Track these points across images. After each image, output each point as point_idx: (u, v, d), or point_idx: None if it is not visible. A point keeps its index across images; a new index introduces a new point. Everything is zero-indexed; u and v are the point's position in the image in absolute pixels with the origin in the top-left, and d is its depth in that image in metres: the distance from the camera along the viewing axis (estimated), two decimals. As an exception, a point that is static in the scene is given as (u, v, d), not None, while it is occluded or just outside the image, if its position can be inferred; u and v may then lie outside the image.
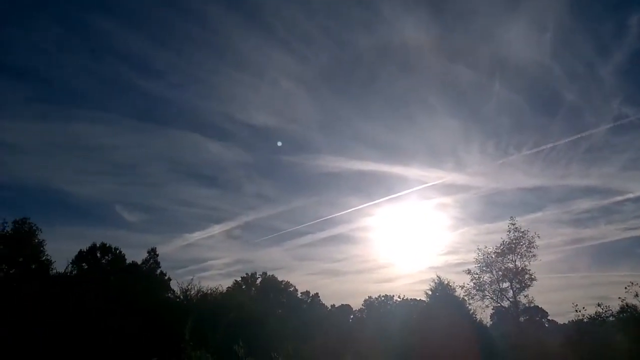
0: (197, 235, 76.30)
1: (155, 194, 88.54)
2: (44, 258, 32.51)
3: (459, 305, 38.80)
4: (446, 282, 42.81)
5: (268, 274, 64.98)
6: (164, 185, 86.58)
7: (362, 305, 79.00)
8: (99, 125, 77.39)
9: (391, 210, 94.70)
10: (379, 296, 78.61)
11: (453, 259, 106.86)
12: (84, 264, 38.81)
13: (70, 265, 37.00)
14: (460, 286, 41.04)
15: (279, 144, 77.36)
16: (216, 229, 79.50)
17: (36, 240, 33.71)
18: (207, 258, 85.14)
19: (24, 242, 32.53)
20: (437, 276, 43.71)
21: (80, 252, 39.15)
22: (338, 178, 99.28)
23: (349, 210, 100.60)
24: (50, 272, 32.71)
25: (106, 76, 79.85)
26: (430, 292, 42.86)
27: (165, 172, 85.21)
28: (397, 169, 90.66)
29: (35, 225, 34.63)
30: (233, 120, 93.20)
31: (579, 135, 77.93)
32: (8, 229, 33.11)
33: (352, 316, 76.78)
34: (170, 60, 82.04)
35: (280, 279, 65.84)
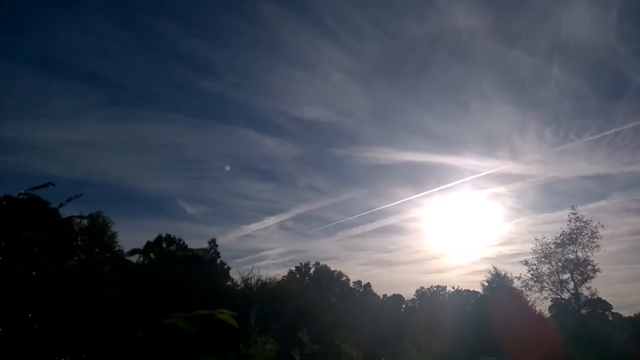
0: (252, 227, 78.86)
1: (215, 188, 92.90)
2: (116, 248, 35.04)
3: (517, 297, 37.53)
4: (503, 273, 41.53)
5: (321, 263, 66.02)
6: (222, 180, 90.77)
7: (414, 295, 78.68)
8: (164, 125, 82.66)
9: (443, 201, 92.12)
10: (431, 286, 78.01)
11: (508, 250, 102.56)
12: (151, 254, 41.47)
13: (140, 256, 39.69)
14: (517, 277, 39.62)
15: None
16: (270, 221, 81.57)
17: (109, 232, 36.46)
18: (262, 248, 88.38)
19: (98, 234, 35.23)
20: (494, 267, 42.60)
21: (148, 242, 41.86)
22: (389, 169, 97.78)
23: (400, 201, 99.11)
24: (127, 264, 35.30)
25: (170, 78, 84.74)
26: (486, 283, 41.95)
27: (224, 168, 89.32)
28: (449, 159, 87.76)
29: (108, 218, 37.49)
30: (286, 116, 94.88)
31: (647, 119, 71.24)
32: (85, 222, 36.12)
33: (404, 306, 76.44)
34: (228, 60, 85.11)
35: (332, 269, 66.72)
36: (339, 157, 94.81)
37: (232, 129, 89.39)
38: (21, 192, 2.32)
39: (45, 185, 2.37)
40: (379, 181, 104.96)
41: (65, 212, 2.60)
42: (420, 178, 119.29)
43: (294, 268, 64.78)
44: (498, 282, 40.91)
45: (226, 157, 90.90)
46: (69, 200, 2.58)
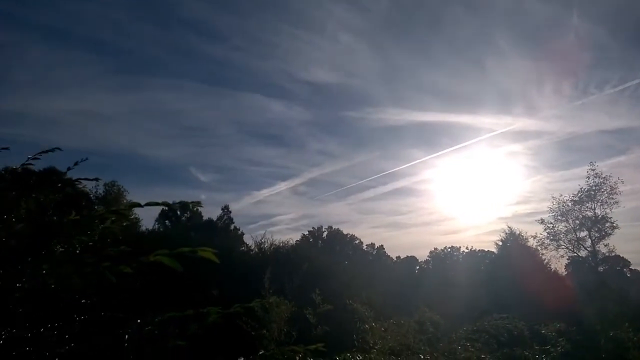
0: (265, 193, 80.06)
1: (225, 154, 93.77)
2: (132, 217, 35.90)
3: (532, 255, 37.80)
4: (517, 232, 41.62)
5: (333, 227, 66.96)
6: (232, 146, 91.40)
7: (428, 256, 79.64)
8: (172, 92, 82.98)
9: (457, 161, 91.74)
10: (445, 247, 78.68)
11: (524, 209, 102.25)
12: (166, 222, 42.52)
13: (156, 223, 40.78)
14: (532, 236, 39.73)
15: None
16: (282, 186, 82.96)
17: (124, 201, 37.33)
18: (275, 214, 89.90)
19: (114, 202, 36.11)
20: (508, 226, 42.60)
21: (163, 210, 42.78)
22: (401, 130, 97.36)
23: (413, 163, 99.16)
24: (139, 229, 36.14)
25: (175, 44, 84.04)
26: (500, 243, 42.11)
27: (234, 134, 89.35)
28: (463, 118, 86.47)
29: (123, 187, 38.29)
30: (294, 79, 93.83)
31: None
32: (100, 191, 36.96)
33: (417, 267, 77.67)
34: (233, 23, 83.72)
35: (345, 232, 67.70)
36: (350, 120, 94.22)
37: (240, 94, 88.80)
38: (29, 156, 2.38)
39: (52, 150, 2.43)
40: (391, 143, 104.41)
41: (75, 177, 2.68)
42: (433, 138, 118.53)
43: (307, 232, 66.07)
44: (512, 241, 41.12)
45: (235, 123, 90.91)
46: (76, 164, 2.66)
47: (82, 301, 2.83)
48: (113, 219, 1.73)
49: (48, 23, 70.54)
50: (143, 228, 37.72)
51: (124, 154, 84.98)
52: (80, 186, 2.29)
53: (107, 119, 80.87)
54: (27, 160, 2.36)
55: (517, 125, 77.12)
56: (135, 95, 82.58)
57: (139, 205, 1.50)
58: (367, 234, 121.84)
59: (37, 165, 2.46)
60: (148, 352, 1.84)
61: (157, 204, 1.45)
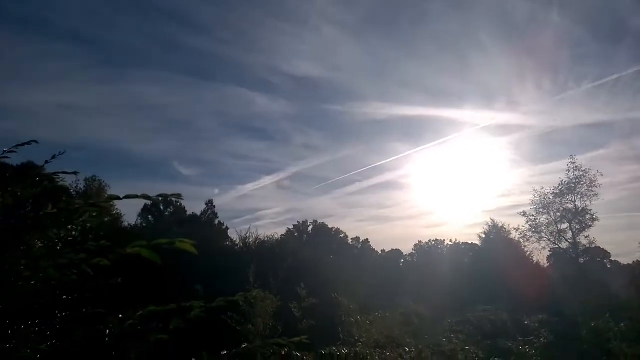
0: (249, 187, 79.96)
1: (209, 148, 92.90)
2: (114, 212, 35.36)
3: (514, 248, 38.58)
4: (500, 225, 42.49)
5: (318, 221, 67.12)
6: (216, 140, 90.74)
7: (413, 249, 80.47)
8: (155, 85, 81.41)
9: (441, 155, 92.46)
10: (429, 240, 79.57)
11: (506, 202, 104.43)
12: (149, 217, 42.02)
13: (139, 218, 40.27)
14: (514, 229, 40.52)
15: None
16: (267, 180, 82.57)
17: (106, 196, 36.71)
18: (259, 208, 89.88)
19: (95, 197, 35.55)
20: (491, 219, 43.48)
21: (145, 205, 42.31)
22: (386, 125, 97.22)
23: (398, 157, 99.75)
24: (121, 224, 35.63)
25: (157, 36, 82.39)
26: (483, 235, 42.99)
27: (218, 127, 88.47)
28: (446, 112, 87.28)
29: (104, 181, 37.64)
30: (277, 73, 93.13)
31: (648, 64, 69.95)
32: (81, 186, 36.28)
33: (402, 260, 78.41)
34: (216, 15, 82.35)
35: (330, 226, 67.96)
36: (334, 114, 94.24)
37: (224, 87, 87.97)
38: (5, 149, 2.32)
39: (29, 143, 2.37)
40: (376, 137, 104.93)
41: (53, 171, 2.63)
42: (417, 133, 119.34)
43: (292, 227, 66.04)
44: (495, 234, 41.88)
45: (219, 116, 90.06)
46: (54, 157, 2.61)
47: (63, 297, 2.79)
48: (94, 213, 1.70)
49: (26, 14, 68.42)
50: (125, 223, 37.20)
51: (106, 148, 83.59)
52: (59, 181, 2.25)
53: (88, 113, 79.17)
54: (2, 154, 2.30)
55: (499, 119, 78.56)
56: (117, 87, 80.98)
57: (117, 198, 1.48)
58: (352, 228, 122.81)
59: (14, 159, 2.40)
60: (130, 347, 1.83)
61: (136, 196, 1.44)
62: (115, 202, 1.59)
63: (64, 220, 1.64)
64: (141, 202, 44.63)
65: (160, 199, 1.51)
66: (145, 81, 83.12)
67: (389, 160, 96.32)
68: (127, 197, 1.44)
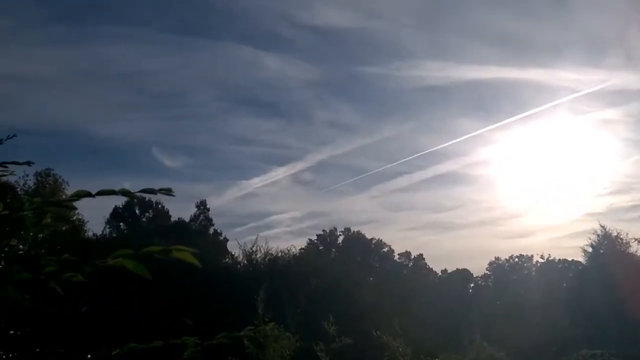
0: (256, 182, 79.47)
1: (202, 130, 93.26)
2: (74, 217, 36.39)
3: (636, 266, 37.50)
4: (615, 234, 41.30)
5: (352, 230, 67.12)
6: (211, 118, 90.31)
7: (487, 269, 79.61)
8: (129, 45, 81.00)
9: (526, 135, 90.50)
10: (511, 256, 78.59)
11: (623, 200, 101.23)
12: (121, 224, 43.08)
13: (107, 226, 41.38)
14: (636, 239, 39.35)
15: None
16: (280, 173, 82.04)
17: (63, 196, 37.68)
18: (270, 212, 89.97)
19: (49, 197, 36.63)
20: (600, 225, 42.28)
21: (116, 208, 43.33)
22: (445, 92, 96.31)
23: (463, 138, 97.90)
24: (84, 234, 36.67)
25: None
26: (590, 249, 41.88)
27: (213, 101, 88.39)
28: (532, 73, 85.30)
29: (60, 177, 38.74)
30: (294, 24, 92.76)
31: None
32: (30, 182, 37.43)
33: (471, 284, 77.84)
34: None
35: (368, 236, 67.84)
36: (372, 79, 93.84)
37: (221, 45, 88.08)
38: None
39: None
40: (431, 110, 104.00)
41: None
42: (491, 103, 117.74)
43: (315, 237, 66.34)
44: (608, 247, 40.85)
45: (215, 85, 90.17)
46: (0, 142, 2.69)
47: (10, 332, 2.88)
48: (48, 219, 1.73)
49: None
50: (90, 233, 38.31)
51: (63, 132, 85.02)
52: (6, 174, 2.32)
53: (39, 85, 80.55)
54: None
55: (612, 82, 76.07)
56: (79, 50, 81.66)
57: (89, 194, 1.50)
58: (399, 239, 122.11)
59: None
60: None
61: (113, 192, 1.45)
62: (75, 203, 1.60)
63: (15, 225, 1.68)
64: (109, 206, 45.42)
65: (144, 194, 1.52)
66: (115, 40, 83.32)
67: (450, 143, 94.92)
68: (100, 193, 1.46)
